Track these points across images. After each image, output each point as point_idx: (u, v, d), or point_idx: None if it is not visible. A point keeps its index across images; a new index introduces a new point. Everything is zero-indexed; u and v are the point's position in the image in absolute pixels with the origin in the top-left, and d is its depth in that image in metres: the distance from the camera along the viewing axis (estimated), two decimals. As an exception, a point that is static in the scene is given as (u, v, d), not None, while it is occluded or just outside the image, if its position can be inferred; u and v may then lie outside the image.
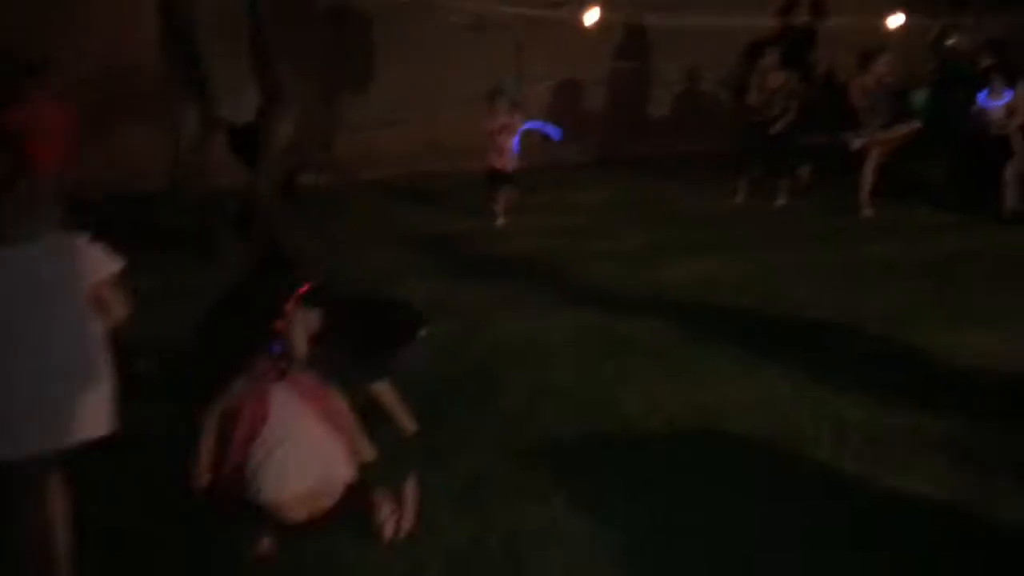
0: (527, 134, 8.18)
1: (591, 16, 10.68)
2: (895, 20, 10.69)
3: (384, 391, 4.02)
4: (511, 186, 8.01)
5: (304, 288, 3.35)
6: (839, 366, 4.79)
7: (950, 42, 10.28)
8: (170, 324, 4.49)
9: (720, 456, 3.88)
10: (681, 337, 5.25)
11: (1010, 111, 8.21)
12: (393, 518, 3.28)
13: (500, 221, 7.95)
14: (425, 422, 4.18)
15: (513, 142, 7.77)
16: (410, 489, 3.40)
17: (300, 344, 3.30)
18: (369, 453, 3.46)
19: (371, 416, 4.16)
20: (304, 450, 3.21)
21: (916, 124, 8.24)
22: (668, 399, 4.42)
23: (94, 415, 2.72)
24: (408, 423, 4.03)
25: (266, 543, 3.19)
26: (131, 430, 2.98)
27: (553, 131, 8.09)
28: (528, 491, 3.58)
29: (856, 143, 8.19)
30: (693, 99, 12.83)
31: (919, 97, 9.63)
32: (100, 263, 2.81)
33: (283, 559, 3.19)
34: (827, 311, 5.65)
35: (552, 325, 5.42)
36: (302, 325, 3.32)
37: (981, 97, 8.33)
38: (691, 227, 7.92)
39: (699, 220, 8.21)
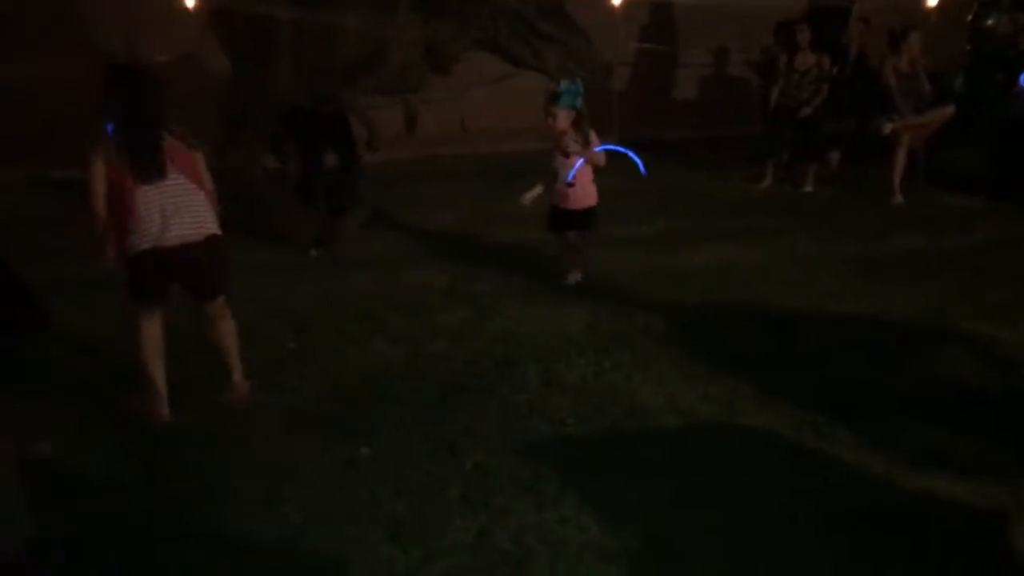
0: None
1: (617, -5, 10.47)
2: None
3: None
4: (579, 231, 5.79)
5: None
6: (861, 360, 4.60)
7: (988, 23, 9.94)
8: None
9: (736, 452, 3.73)
10: (697, 326, 5.10)
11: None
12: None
13: (572, 277, 5.83)
14: (433, 411, 4.09)
15: (570, 169, 5.48)
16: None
17: None
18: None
19: (372, 408, 4.10)
20: (196, 199, 3.94)
21: (951, 108, 7.95)
22: (682, 391, 4.26)
23: None
24: None
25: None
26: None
27: (637, 161, 5.59)
28: (536, 488, 3.45)
29: (888, 128, 7.92)
30: (720, 81, 12.58)
31: (958, 81, 9.33)
32: None
33: (287, 554, 3.12)
34: (850, 302, 5.45)
35: (566, 313, 5.27)
36: None
37: (1022, 80, 8.04)
38: (713, 213, 7.72)
39: (722, 206, 8.01)
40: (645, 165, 5.72)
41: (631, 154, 5.60)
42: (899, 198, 7.83)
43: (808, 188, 8.39)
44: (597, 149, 5.49)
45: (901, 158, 7.89)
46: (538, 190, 5.72)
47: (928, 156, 8.38)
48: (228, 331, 4.18)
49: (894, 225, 7.17)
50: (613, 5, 10.51)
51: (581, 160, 5.45)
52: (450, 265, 6.25)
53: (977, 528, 3.20)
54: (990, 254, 6.35)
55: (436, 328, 5.08)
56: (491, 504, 3.37)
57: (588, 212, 5.72)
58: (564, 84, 5.41)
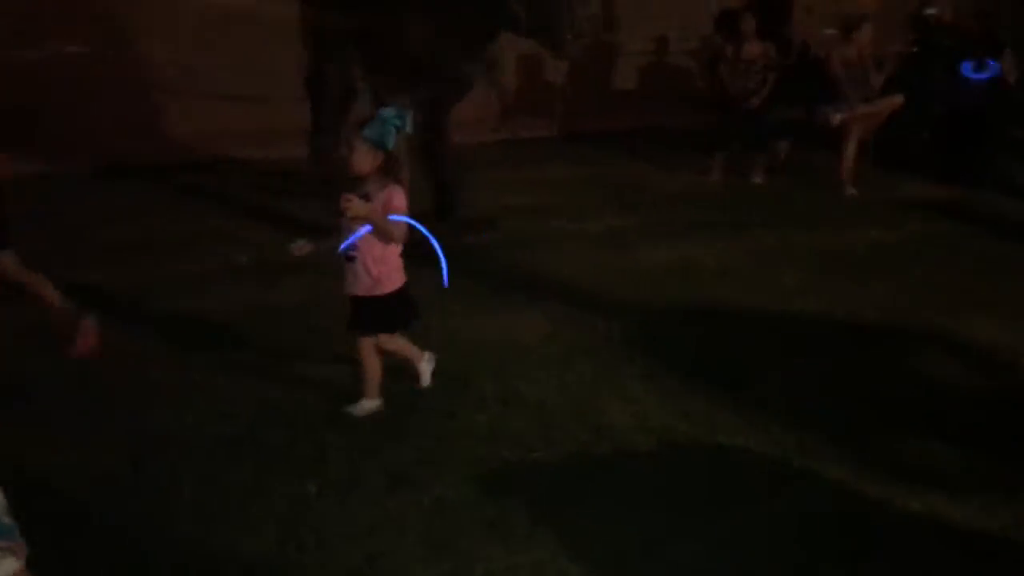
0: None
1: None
2: (871, -12, 10.28)
3: None
4: (367, 332, 3.91)
5: None
6: (841, 366, 4.38)
7: (932, 11, 9.89)
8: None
9: (718, 477, 3.44)
10: (661, 332, 4.81)
11: (997, 83, 7.85)
12: None
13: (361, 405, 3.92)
14: (385, 438, 3.71)
15: (352, 233, 3.72)
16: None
17: None
18: None
19: (318, 436, 3.70)
20: None
21: (900, 98, 7.83)
22: (654, 407, 3.96)
23: None
24: None
25: None
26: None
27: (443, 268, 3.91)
28: (505, 525, 3.11)
29: (837, 118, 7.76)
30: (660, 71, 12.36)
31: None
32: None
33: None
34: (818, 300, 5.24)
35: (522, 321, 4.93)
36: None
37: (965, 69, 7.96)
38: (664, 207, 7.45)
39: (672, 199, 7.74)
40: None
41: (439, 254, 3.89)
42: (851, 189, 7.68)
43: (758, 180, 8.19)
44: (396, 218, 3.70)
45: (851, 148, 7.75)
46: (307, 246, 4.13)
47: (877, 145, 8.27)
48: None
49: (850, 217, 7.02)
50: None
51: (367, 227, 3.69)
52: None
53: (985, 555, 2.97)
54: (951, 245, 6.23)
55: (382, 341, 4.69)
56: (456, 546, 3.02)
57: (380, 305, 3.83)
58: (385, 111, 3.71)
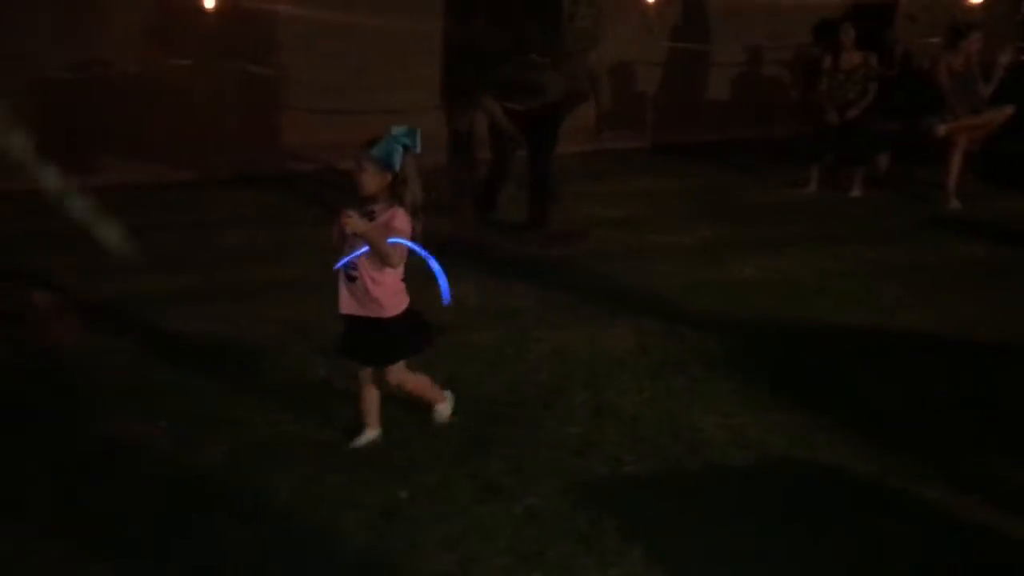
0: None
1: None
2: (977, -6, 9.95)
3: None
4: (365, 362, 3.74)
5: None
6: (942, 386, 4.22)
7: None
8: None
9: (817, 495, 3.35)
10: (755, 346, 4.73)
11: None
12: None
13: (361, 438, 3.76)
14: (475, 447, 3.72)
15: (353, 251, 3.49)
16: None
17: None
18: None
19: (409, 443, 3.73)
20: None
21: (1010, 108, 7.54)
22: (749, 422, 3.89)
23: None
24: None
25: None
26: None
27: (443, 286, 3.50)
28: (597, 538, 3.08)
29: (942, 129, 7.50)
30: (754, 81, 12.18)
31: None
32: None
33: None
34: (917, 316, 5.08)
35: (612, 332, 4.90)
36: None
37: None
38: (759, 220, 7.33)
39: (767, 212, 7.62)
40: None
41: (438, 273, 3.49)
42: (955, 203, 7.43)
43: (856, 193, 7.99)
44: (394, 240, 3.44)
45: (957, 161, 7.49)
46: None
47: (984, 158, 7.98)
48: None
49: (953, 232, 6.79)
50: (646, 4, 10.14)
51: (365, 247, 3.46)
52: (481, 278, 5.85)
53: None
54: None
55: (472, 350, 4.72)
56: (546, 557, 3.01)
57: (380, 330, 3.60)
58: (395, 128, 3.49)
